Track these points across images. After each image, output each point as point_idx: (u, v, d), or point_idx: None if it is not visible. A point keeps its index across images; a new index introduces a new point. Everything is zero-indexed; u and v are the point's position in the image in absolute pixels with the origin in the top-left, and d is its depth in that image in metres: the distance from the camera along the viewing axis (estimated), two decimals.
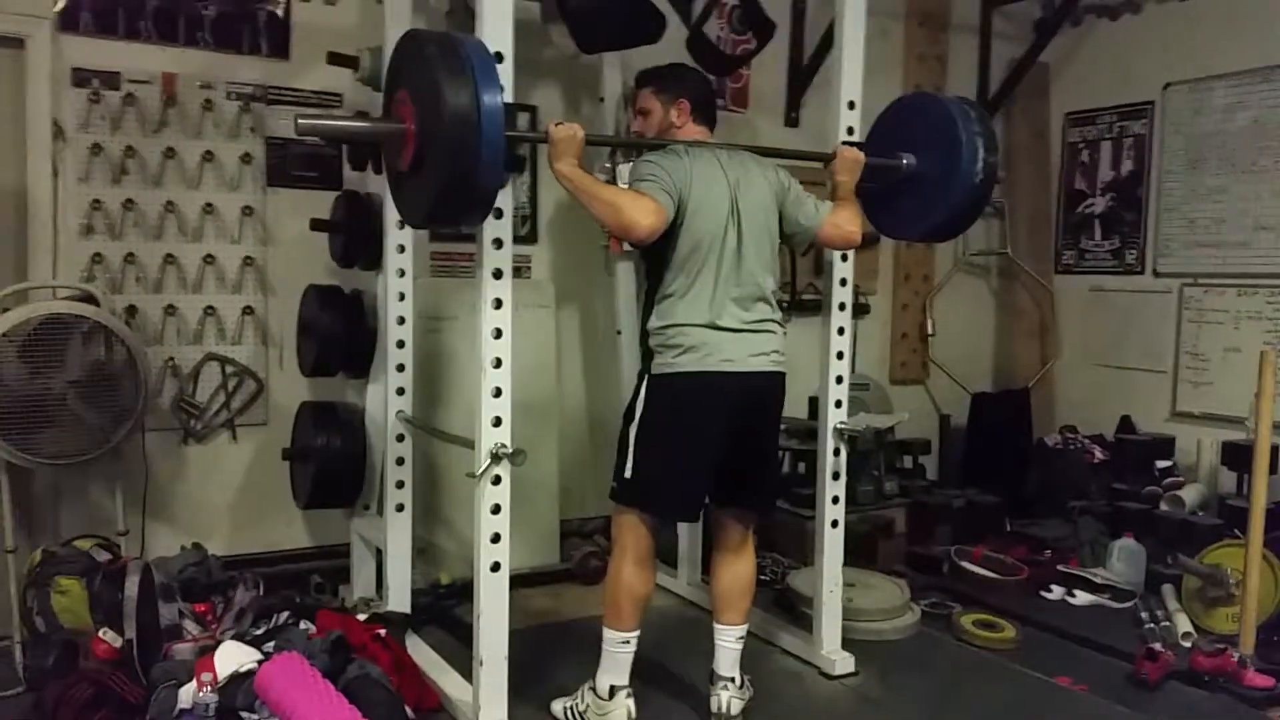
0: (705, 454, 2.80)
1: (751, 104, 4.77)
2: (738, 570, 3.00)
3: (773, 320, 2.87)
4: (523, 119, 3.94)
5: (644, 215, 2.60)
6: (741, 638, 2.98)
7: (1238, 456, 4.15)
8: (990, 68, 5.34)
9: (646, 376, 2.82)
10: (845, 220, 2.98)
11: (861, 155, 3.05)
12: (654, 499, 2.84)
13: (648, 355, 2.84)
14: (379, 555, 3.63)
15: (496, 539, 2.71)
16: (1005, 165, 5.17)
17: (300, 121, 2.37)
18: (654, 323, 2.80)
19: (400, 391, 3.40)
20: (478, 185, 2.33)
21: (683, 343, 2.74)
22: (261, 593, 3.29)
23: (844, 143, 3.13)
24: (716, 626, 3.00)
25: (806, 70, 4.79)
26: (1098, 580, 3.99)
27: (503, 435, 2.66)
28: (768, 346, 2.84)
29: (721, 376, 2.75)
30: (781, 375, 2.90)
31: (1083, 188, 5.35)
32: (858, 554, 3.96)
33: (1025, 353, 5.48)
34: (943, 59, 5.36)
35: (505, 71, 2.48)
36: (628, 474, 2.81)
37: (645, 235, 2.63)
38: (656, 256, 2.79)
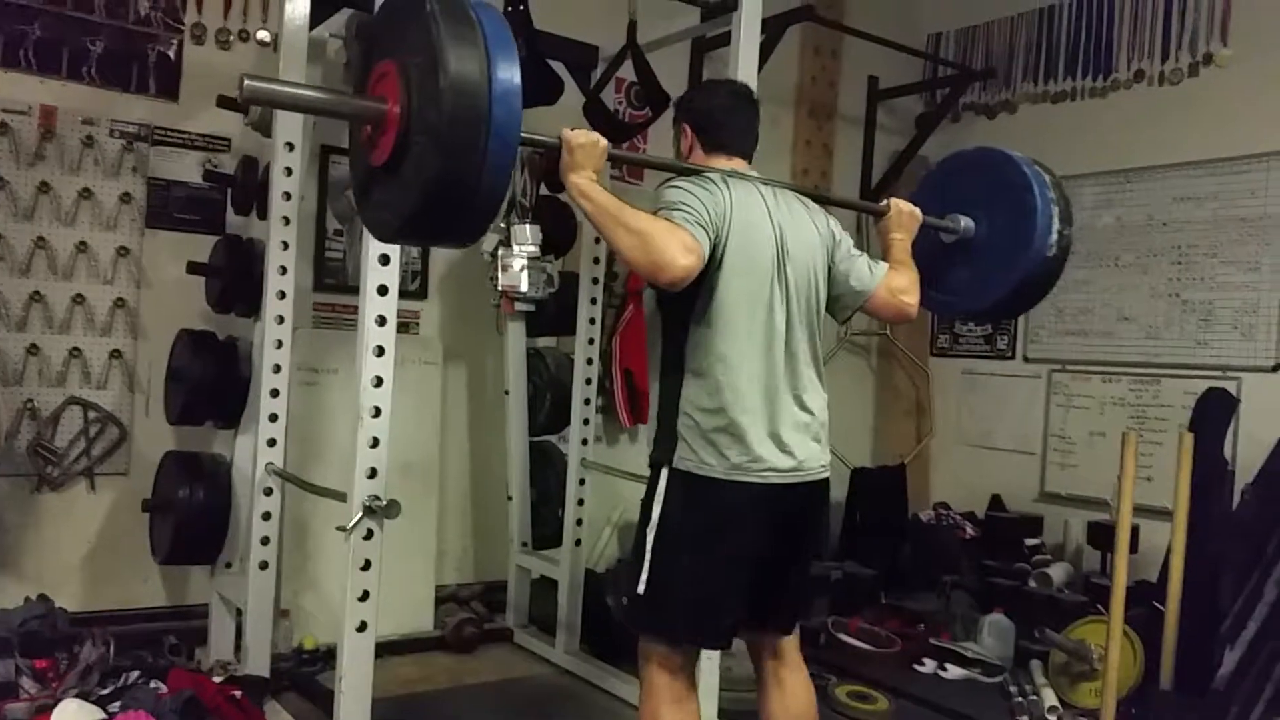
0: (741, 570, 2.28)
1: (647, 176, 4.85)
2: (797, 691, 2.45)
3: (824, 408, 2.39)
4: None
5: (681, 253, 2.06)
6: None
7: (1101, 536, 4.31)
8: (874, 157, 5.54)
9: (667, 470, 2.27)
10: (904, 288, 2.48)
11: (919, 211, 2.64)
12: (673, 621, 2.28)
13: (669, 437, 2.27)
14: (239, 616, 3.46)
15: (365, 597, 2.62)
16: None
17: (247, 83, 1.79)
18: (689, 400, 2.24)
19: (271, 443, 3.27)
20: (480, 189, 1.79)
21: (725, 440, 2.22)
22: (111, 651, 3.11)
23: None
24: None
25: None
26: (969, 654, 4.06)
27: (377, 487, 2.58)
28: (817, 447, 2.36)
29: (771, 489, 2.25)
30: (828, 480, 2.41)
31: None
32: None
33: (902, 431, 5.63)
34: (829, 147, 5.56)
35: None
36: (641, 588, 2.26)
37: (680, 277, 2.08)
38: (681, 308, 2.25)
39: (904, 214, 2.62)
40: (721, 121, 2.44)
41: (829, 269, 2.44)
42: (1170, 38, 4.71)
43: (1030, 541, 4.70)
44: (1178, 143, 4.62)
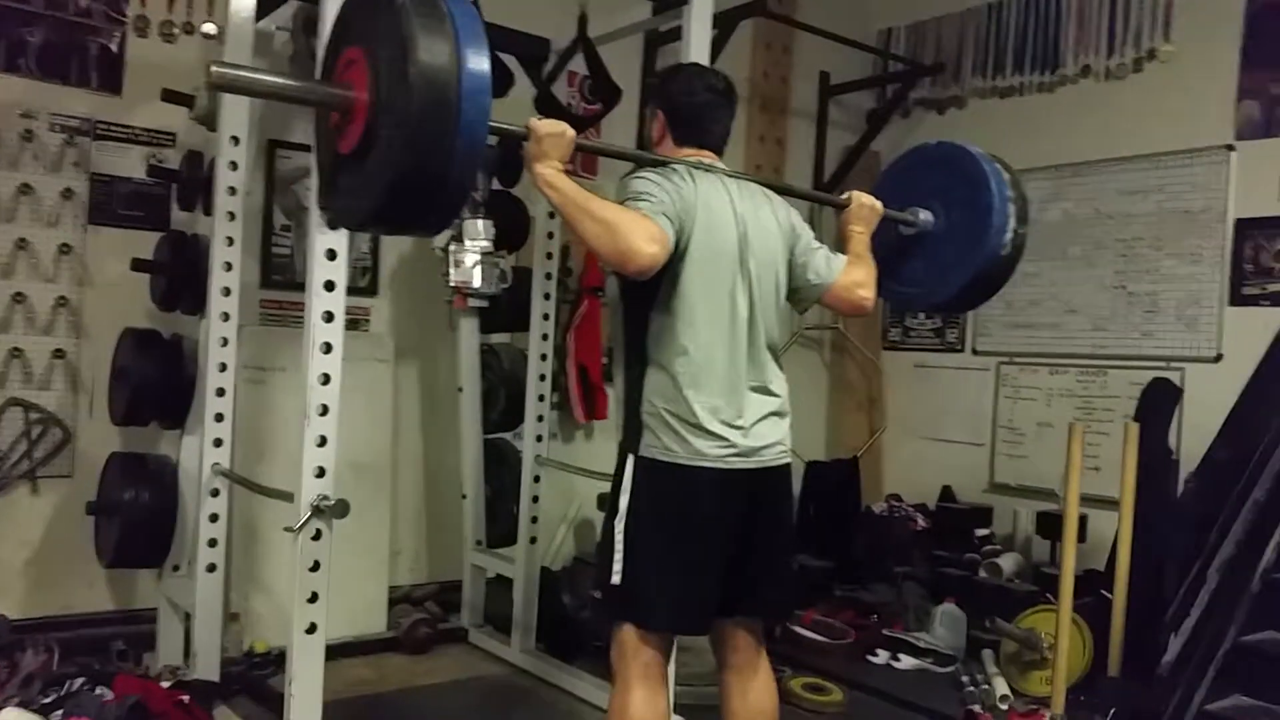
0: (712, 554, 2.29)
1: (601, 170, 4.83)
2: (756, 691, 2.44)
3: (784, 396, 2.42)
4: None
5: (647, 241, 2.08)
6: None
7: (1050, 526, 4.36)
8: (826, 152, 5.58)
9: (633, 458, 2.30)
10: (860, 281, 2.51)
11: (879, 204, 2.65)
12: (651, 608, 2.28)
13: (634, 425, 2.30)
14: (188, 620, 3.40)
15: (314, 599, 2.59)
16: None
17: (215, 69, 1.79)
18: (653, 388, 2.28)
19: (218, 443, 3.22)
20: (449, 179, 1.80)
21: (689, 427, 2.24)
22: (55, 658, 3.06)
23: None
24: None
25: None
26: (921, 644, 4.10)
27: (325, 487, 2.55)
28: (780, 432, 2.39)
29: (735, 474, 2.28)
30: (790, 465, 2.46)
31: None
32: None
33: (854, 423, 5.67)
34: (782, 142, 5.57)
35: None
36: (616, 579, 2.27)
37: (647, 266, 2.10)
38: (645, 298, 2.27)
39: (865, 207, 2.63)
40: (697, 118, 2.44)
41: (789, 261, 2.46)
42: (1115, 33, 4.78)
43: (980, 532, 4.76)
44: (1123, 137, 4.69)
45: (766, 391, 2.37)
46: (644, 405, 2.29)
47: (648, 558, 2.26)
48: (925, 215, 2.73)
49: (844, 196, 2.67)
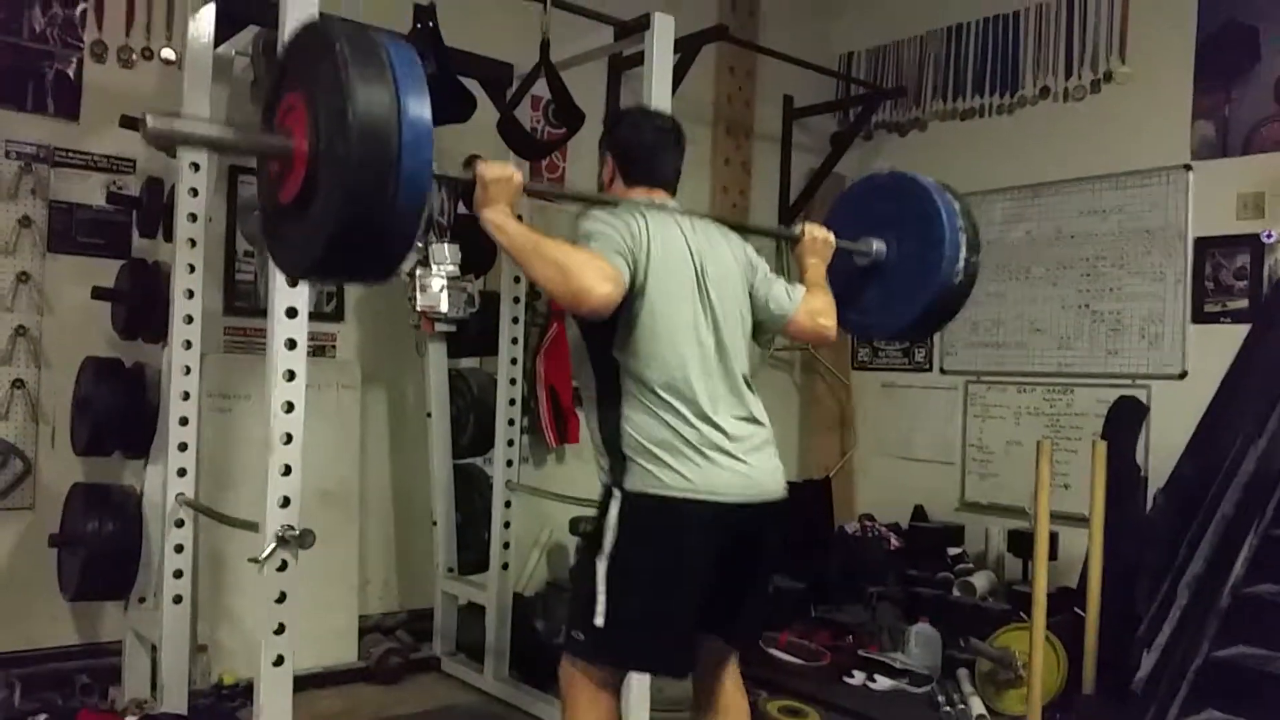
0: (701, 594, 2.23)
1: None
2: (730, 710, 2.43)
3: (769, 425, 2.37)
4: None
5: (599, 281, 2.05)
6: None
7: (1021, 544, 4.37)
8: (791, 175, 5.61)
9: (619, 493, 2.22)
10: (820, 310, 2.53)
11: (832, 236, 2.66)
12: (637, 652, 2.24)
13: (618, 462, 2.23)
14: (154, 652, 3.33)
15: (281, 630, 2.55)
16: None
17: (151, 123, 1.73)
18: (633, 424, 2.21)
19: (182, 473, 3.17)
20: (389, 232, 1.76)
21: (677, 460, 2.18)
22: (17, 694, 2.99)
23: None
24: None
25: None
26: (897, 665, 4.08)
27: (290, 516, 2.51)
28: (772, 462, 2.34)
29: (725, 508, 2.21)
30: (786, 499, 2.38)
31: None
32: None
33: (825, 444, 5.68)
34: (748, 165, 5.60)
35: None
36: (599, 621, 2.17)
37: (600, 306, 2.06)
38: (609, 338, 2.23)
39: (818, 240, 2.64)
40: (644, 159, 2.43)
41: (749, 294, 2.45)
42: (1073, 55, 4.85)
43: (953, 551, 4.75)
44: (1083, 157, 4.75)
45: (753, 420, 2.32)
46: (624, 440, 2.22)
47: (636, 600, 2.18)
48: (878, 245, 2.73)
49: (797, 230, 2.67)
